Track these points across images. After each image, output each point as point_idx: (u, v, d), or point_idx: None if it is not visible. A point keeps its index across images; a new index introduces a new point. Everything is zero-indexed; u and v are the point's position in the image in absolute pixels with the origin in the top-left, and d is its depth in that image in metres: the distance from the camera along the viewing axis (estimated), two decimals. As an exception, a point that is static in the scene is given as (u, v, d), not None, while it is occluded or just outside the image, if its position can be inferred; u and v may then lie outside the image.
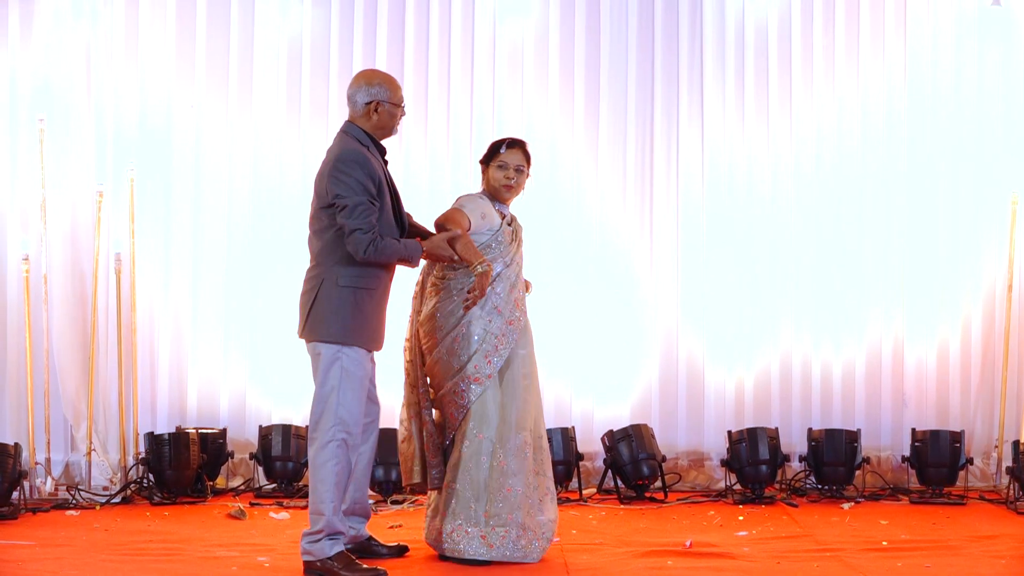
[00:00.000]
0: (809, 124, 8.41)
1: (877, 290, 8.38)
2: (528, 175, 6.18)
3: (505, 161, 6.09)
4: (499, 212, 6.13)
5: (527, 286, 6.25)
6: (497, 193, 6.13)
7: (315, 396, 5.76)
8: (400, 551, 6.16)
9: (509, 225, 6.14)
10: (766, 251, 8.41)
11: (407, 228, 5.97)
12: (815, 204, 8.41)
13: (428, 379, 6.13)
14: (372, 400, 5.97)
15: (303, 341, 5.83)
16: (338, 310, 5.68)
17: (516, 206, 6.31)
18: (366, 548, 6.07)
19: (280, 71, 8.28)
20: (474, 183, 8.03)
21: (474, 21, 8.32)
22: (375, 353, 5.92)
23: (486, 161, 6.17)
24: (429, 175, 8.19)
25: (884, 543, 6.59)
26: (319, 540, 5.71)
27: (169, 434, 7.73)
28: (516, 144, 6.14)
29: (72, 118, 8.02)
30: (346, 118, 5.93)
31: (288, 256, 7.91)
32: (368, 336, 5.76)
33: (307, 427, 7.79)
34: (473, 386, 5.96)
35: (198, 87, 8.23)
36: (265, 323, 8.19)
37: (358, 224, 5.57)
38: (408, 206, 8.20)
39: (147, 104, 8.17)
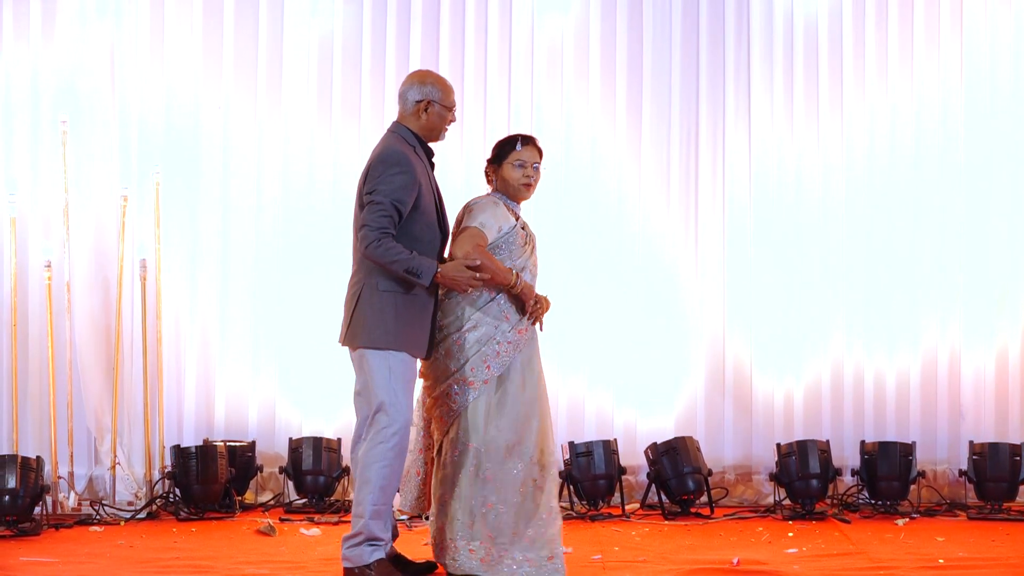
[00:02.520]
0: (860, 124, 8.33)
1: (933, 296, 8.30)
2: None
3: (523, 159, 5.93)
4: (513, 212, 5.97)
5: (545, 303, 5.98)
6: (516, 193, 5.98)
7: (362, 399, 5.74)
8: (429, 568, 6.04)
9: (523, 229, 5.98)
10: (816, 256, 8.34)
11: (449, 235, 5.93)
12: (867, 207, 8.34)
13: (423, 381, 6.00)
14: (413, 403, 5.91)
15: (346, 349, 5.83)
16: (380, 315, 5.67)
17: (552, 208, 6.10)
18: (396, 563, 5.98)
19: (311, 70, 8.26)
20: None
21: (512, 17, 8.27)
22: None
23: (498, 160, 5.99)
24: (465, 177, 8.12)
25: (940, 561, 6.51)
26: (358, 545, 5.69)
27: (196, 447, 7.75)
28: (530, 140, 6.00)
29: (96, 120, 8.01)
30: (395, 118, 5.94)
31: (319, 262, 7.98)
32: (411, 341, 5.73)
33: (338, 440, 7.85)
34: (468, 389, 5.79)
35: (226, 87, 8.22)
36: (295, 332, 8.18)
37: (368, 220, 5.57)
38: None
39: (173, 105, 8.16)
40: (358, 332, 5.70)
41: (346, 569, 5.70)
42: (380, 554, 5.70)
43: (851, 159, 8.30)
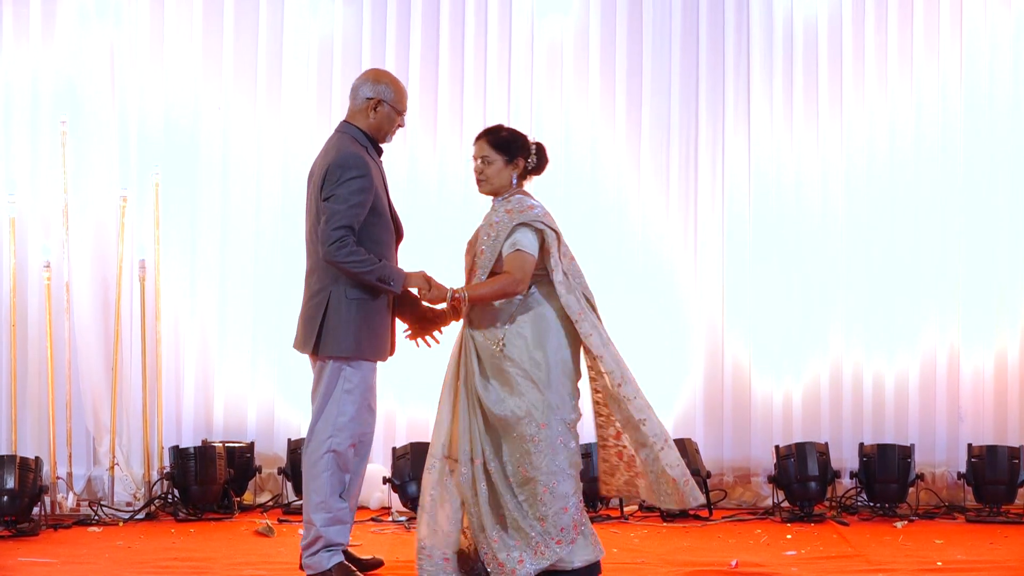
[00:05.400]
0: (860, 126, 8.33)
1: (932, 298, 8.29)
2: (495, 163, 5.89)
3: (473, 155, 5.92)
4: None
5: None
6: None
7: (315, 407, 5.82)
8: (376, 564, 6.18)
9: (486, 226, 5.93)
10: (815, 258, 8.34)
11: (403, 232, 5.98)
12: (866, 209, 8.33)
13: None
14: (370, 410, 5.94)
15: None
16: (349, 324, 5.71)
17: (552, 210, 6.06)
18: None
19: (310, 72, 8.26)
20: None
21: (511, 19, 8.27)
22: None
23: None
24: (465, 179, 8.09)
25: (939, 564, 6.51)
26: (316, 553, 5.78)
27: (195, 448, 7.75)
28: (479, 136, 5.95)
29: (95, 120, 8.00)
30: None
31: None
32: (378, 347, 5.81)
33: None
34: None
35: (225, 88, 8.21)
36: (294, 333, 7.99)
37: (329, 230, 5.58)
38: (442, 213, 8.15)
39: (173, 106, 8.16)
40: (328, 341, 5.71)
41: None
42: (339, 558, 5.79)
43: (850, 161, 8.30)
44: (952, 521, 7.71)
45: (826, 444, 7.95)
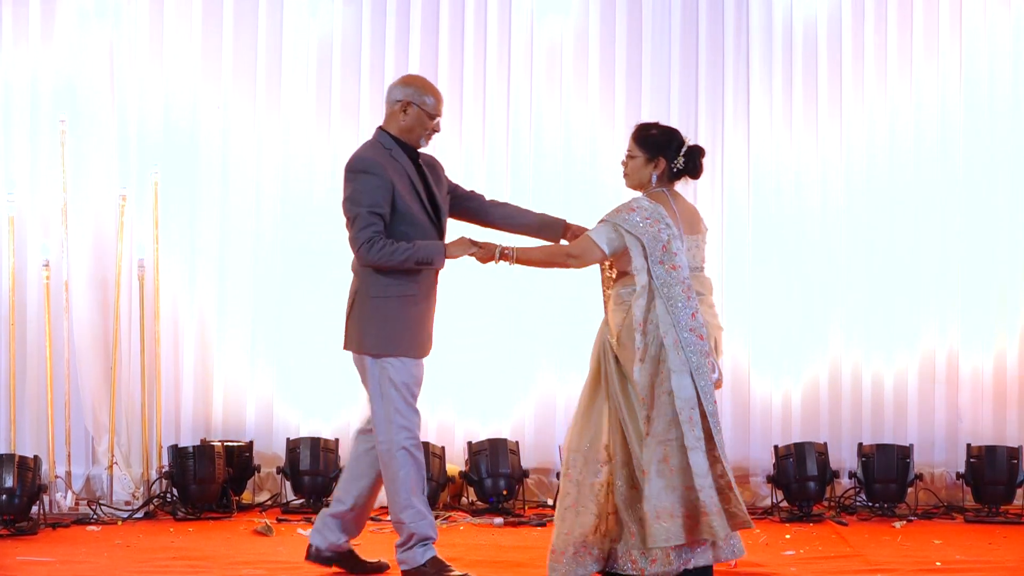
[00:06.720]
0: (859, 127, 8.33)
1: (931, 298, 8.29)
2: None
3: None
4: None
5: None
6: None
7: (372, 407, 5.83)
8: (381, 568, 6.17)
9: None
10: (814, 259, 8.33)
11: (444, 232, 5.95)
12: (865, 210, 8.33)
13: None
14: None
15: (348, 352, 5.93)
16: (372, 321, 5.75)
17: (551, 210, 6.07)
18: (345, 559, 6.12)
19: (310, 72, 8.25)
20: (513, 188, 8.00)
21: (511, 19, 8.27)
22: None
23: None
24: (465, 179, 7.99)
25: (938, 564, 6.50)
26: (411, 548, 5.82)
27: (193, 447, 7.74)
28: None
29: (95, 120, 8.00)
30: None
31: (318, 262, 7.97)
32: (408, 344, 5.79)
33: (335, 441, 7.85)
34: None
35: (225, 88, 8.20)
36: (293, 332, 8.18)
37: (355, 235, 5.68)
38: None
39: (172, 105, 8.15)
40: (354, 338, 5.82)
41: (404, 572, 5.85)
42: (432, 552, 5.82)
43: (850, 162, 8.29)
44: (951, 521, 7.72)
45: (825, 444, 7.94)
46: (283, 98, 8.21)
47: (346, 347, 5.88)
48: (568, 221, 6.14)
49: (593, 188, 8.22)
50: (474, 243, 5.77)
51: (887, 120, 8.29)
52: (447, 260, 5.77)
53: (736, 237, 8.32)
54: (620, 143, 8.19)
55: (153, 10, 8.10)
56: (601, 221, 5.78)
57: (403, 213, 5.72)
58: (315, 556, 6.04)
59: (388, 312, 5.72)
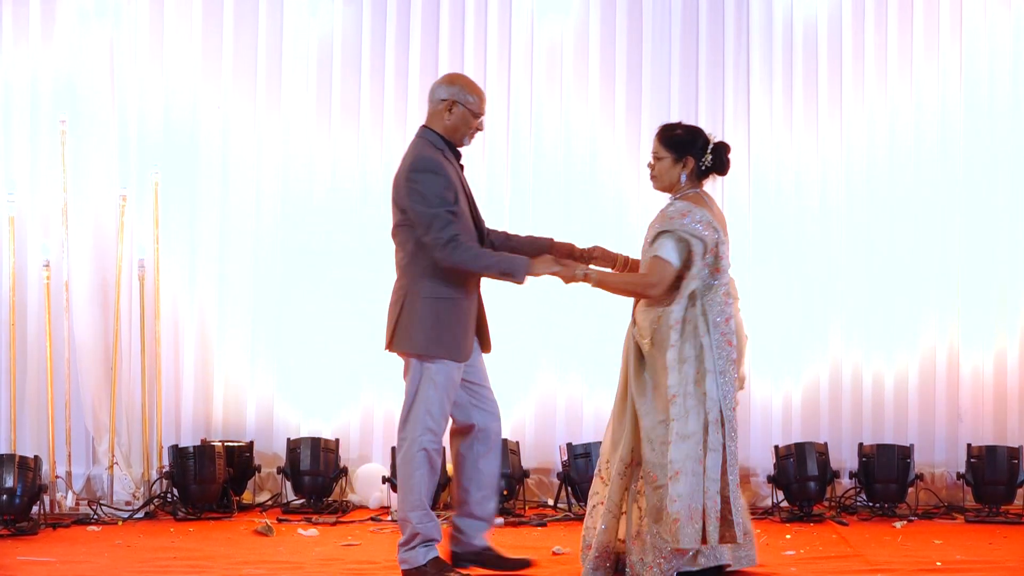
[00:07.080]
0: (859, 127, 8.31)
1: (931, 298, 8.27)
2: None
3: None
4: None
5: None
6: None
7: (405, 400, 5.84)
8: (522, 564, 6.10)
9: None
10: (814, 259, 8.32)
11: (486, 235, 5.96)
12: (865, 210, 8.32)
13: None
14: (481, 407, 5.98)
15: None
16: (422, 322, 5.74)
17: (552, 209, 6.06)
18: (483, 557, 6.06)
19: (310, 72, 8.26)
20: (513, 188, 8.00)
21: (511, 19, 8.27)
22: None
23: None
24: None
25: (938, 564, 6.48)
26: (413, 548, 5.81)
27: (194, 447, 7.74)
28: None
29: (95, 120, 8.01)
30: (422, 121, 5.95)
31: (317, 263, 7.99)
32: (453, 347, 5.78)
33: (335, 441, 7.83)
34: None
35: (225, 88, 8.21)
36: (294, 332, 8.18)
37: (436, 234, 5.61)
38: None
39: (172, 105, 8.16)
40: (402, 338, 5.78)
41: (404, 571, 5.83)
42: (434, 553, 5.81)
43: (850, 162, 8.28)
44: (951, 521, 7.70)
45: (825, 444, 7.94)
46: (283, 98, 8.21)
47: (390, 348, 5.85)
48: (554, 240, 6.10)
49: (593, 188, 8.24)
50: (557, 261, 5.75)
51: (887, 120, 8.28)
52: (528, 277, 5.75)
53: (736, 237, 8.19)
54: (620, 143, 8.26)
55: (153, 10, 8.11)
56: (660, 233, 5.73)
57: (459, 215, 5.71)
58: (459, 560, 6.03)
59: (439, 314, 5.71)
